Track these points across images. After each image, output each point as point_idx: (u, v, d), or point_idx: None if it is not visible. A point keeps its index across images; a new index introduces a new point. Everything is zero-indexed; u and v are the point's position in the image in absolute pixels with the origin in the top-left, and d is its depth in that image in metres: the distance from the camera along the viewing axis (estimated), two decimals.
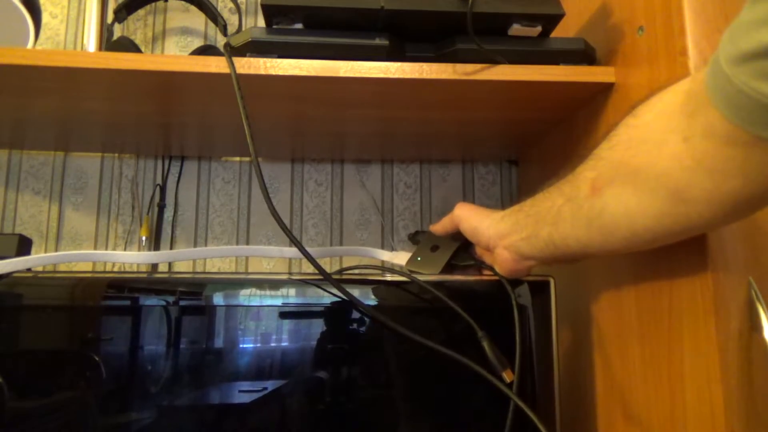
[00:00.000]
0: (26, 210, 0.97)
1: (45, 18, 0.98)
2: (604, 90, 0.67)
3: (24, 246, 0.64)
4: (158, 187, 0.99)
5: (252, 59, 0.62)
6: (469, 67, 0.64)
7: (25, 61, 0.60)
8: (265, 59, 0.62)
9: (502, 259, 0.60)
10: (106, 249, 0.97)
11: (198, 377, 0.56)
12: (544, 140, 0.89)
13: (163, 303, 0.57)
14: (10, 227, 0.96)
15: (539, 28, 0.64)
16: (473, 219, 0.64)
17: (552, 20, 0.64)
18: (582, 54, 0.66)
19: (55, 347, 0.56)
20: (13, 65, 0.60)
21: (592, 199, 0.49)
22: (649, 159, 0.43)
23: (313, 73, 0.62)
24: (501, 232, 0.60)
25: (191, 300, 0.58)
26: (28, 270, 0.59)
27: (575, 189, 0.51)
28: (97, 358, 0.54)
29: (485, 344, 0.57)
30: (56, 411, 0.54)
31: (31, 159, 0.98)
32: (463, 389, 0.61)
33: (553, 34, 0.66)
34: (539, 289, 0.63)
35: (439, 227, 0.69)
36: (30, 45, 0.72)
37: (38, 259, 0.60)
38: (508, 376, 0.56)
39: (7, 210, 0.97)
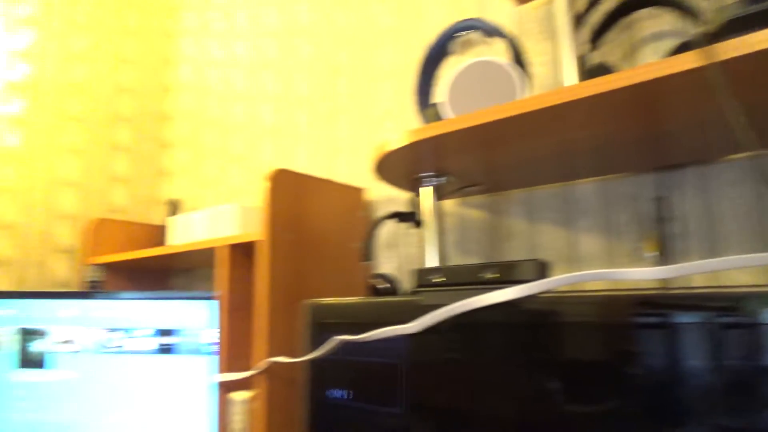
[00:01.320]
0: (544, 237, 1.11)
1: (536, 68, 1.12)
2: None
3: (542, 269, 0.73)
4: (658, 200, 0.97)
5: (730, 41, 0.55)
6: None
7: (521, 110, 0.70)
8: (744, 37, 0.54)
9: None
10: (613, 267, 1.00)
11: (747, 398, 0.51)
12: None
13: (696, 320, 0.54)
14: (532, 253, 1.11)
15: None
16: None
17: None
18: None
19: (589, 359, 0.60)
20: (511, 117, 0.71)
21: None
22: None
23: None
24: None
25: (728, 316, 0.53)
26: (548, 291, 0.67)
27: None
28: (632, 373, 0.56)
29: None
30: (598, 420, 0.58)
31: (543, 192, 1.12)
32: None
33: None
34: None
35: None
36: (522, 95, 0.84)
37: (553, 281, 0.68)
38: None
39: (529, 238, 1.13)
